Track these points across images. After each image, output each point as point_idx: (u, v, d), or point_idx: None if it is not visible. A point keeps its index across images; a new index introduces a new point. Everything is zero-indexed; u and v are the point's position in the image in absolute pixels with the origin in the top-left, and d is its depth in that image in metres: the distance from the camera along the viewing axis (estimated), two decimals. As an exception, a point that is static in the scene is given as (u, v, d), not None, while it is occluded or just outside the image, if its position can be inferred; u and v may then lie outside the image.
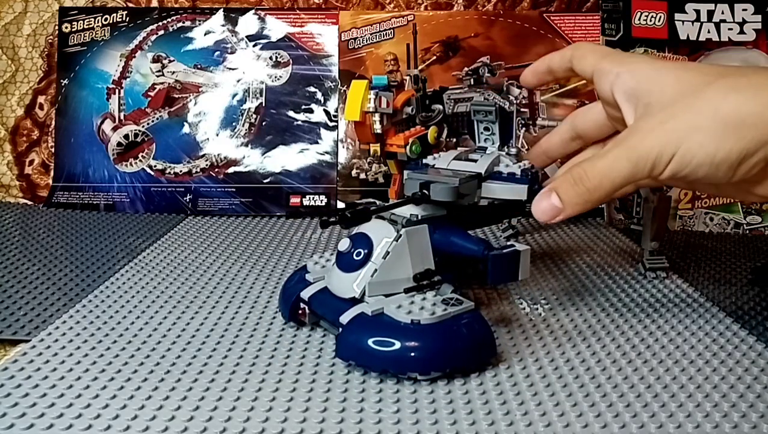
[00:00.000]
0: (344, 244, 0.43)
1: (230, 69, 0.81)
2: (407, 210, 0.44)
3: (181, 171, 0.79)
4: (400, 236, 0.42)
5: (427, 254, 0.43)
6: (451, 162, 0.49)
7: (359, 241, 0.43)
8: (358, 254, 0.43)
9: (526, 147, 0.73)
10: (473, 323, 0.40)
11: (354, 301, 0.42)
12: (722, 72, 0.36)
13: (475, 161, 0.49)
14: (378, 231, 0.43)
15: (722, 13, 0.80)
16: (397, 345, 0.38)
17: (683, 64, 0.38)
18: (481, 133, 0.51)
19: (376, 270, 0.42)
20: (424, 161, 0.50)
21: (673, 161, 0.35)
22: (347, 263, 0.43)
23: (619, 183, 0.37)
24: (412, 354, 0.38)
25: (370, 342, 0.39)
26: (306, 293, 0.44)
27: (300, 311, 0.45)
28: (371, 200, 0.50)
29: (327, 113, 0.81)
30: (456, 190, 0.44)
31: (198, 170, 0.79)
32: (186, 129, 0.80)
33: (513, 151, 0.51)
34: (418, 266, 0.42)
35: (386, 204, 0.45)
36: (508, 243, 0.42)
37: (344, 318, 0.41)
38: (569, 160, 0.49)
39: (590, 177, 0.37)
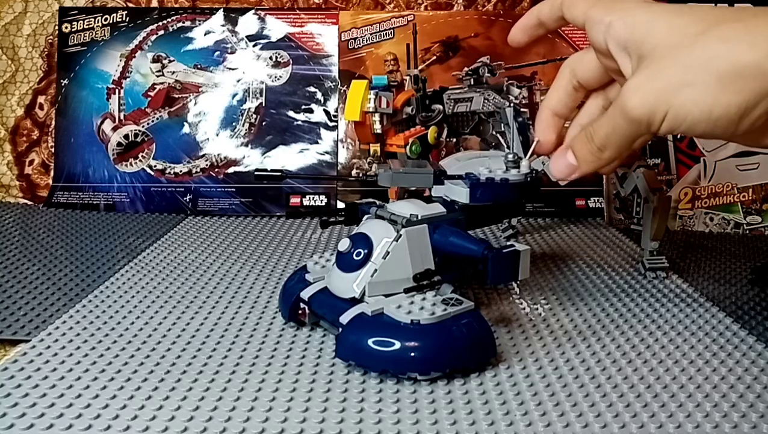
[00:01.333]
0: (344, 244, 0.43)
1: (230, 69, 0.81)
2: (407, 210, 0.44)
3: (181, 171, 0.79)
4: (400, 236, 0.42)
5: (427, 254, 0.43)
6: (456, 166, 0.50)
7: (359, 241, 0.43)
8: (358, 254, 0.43)
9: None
10: (473, 324, 0.40)
11: (354, 301, 0.42)
12: (718, 17, 0.34)
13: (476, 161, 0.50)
14: (378, 231, 0.43)
15: (722, 13, 0.79)
16: (397, 345, 0.38)
17: (679, 8, 0.36)
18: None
19: (375, 270, 0.42)
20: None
21: (666, 120, 0.34)
22: (347, 263, 0.43)
23: (624, 141, 0.36)
24: (412, 354, 0.38)
25: (369, 342, 0.39)
26: (306, 294, 0.44)
27: (300, 312, 0.45)
28: (371, 200, 0.49)
29: (327, 112, 0.81)
30: (392, 176, 0.45)
31: (198, 170, 0.79)
32: (186, 129, 0.80)
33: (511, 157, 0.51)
34: (417, 267, 0.42)
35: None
36: (508, 243, 0.42)
37: (344, 318, 0.41)
38: (574, 119, 0.47)
39: (598, 136, 0.37)
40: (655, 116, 0.34)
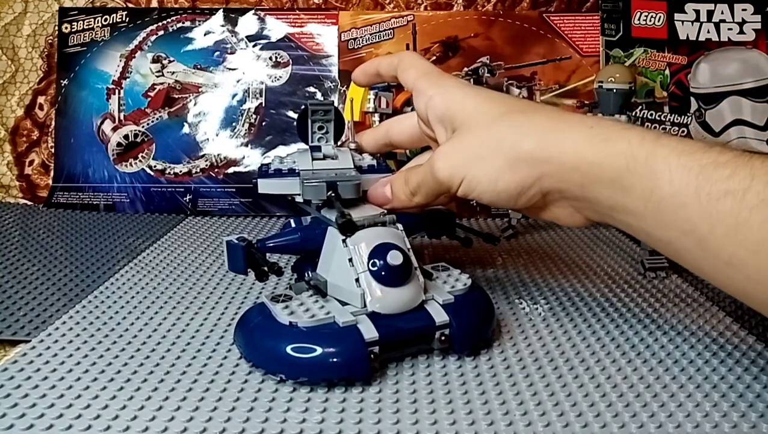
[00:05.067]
0: (398, 257, 0.40)
1: (230, 69, 0.81)
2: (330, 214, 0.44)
3: (181, 171, 0.79)
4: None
5: None
6: (313, 163, 0.48)
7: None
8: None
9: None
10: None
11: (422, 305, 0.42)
12: (513, 107, 0.41)
13: (336, 158, 0.49)
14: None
15: (722, 13, 0.80)
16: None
17: (488, 93, 0.43)
18: (314, 132, 0.51)
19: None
20: (286, 166, 0.48)
21: (462, 185, 0.40)
22: (401, 276, 0.41)
23: (431, 194, 0.42)
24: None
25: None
26: (369, 334, 0.39)
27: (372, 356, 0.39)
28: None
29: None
30: (359, 186, 0.46)
31: (198, 170, 0.79)
32: (186, 129, 0.80)
33: (352, 146, 0.52)
34: None
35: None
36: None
37: (439, 317, 0.41)
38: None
39: (411, 182, 0.43)
40: (453, 180, 0.40)
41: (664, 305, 0.51)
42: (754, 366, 0.41)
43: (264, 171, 0.48)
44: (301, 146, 0.52)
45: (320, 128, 0.50)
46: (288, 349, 0.38)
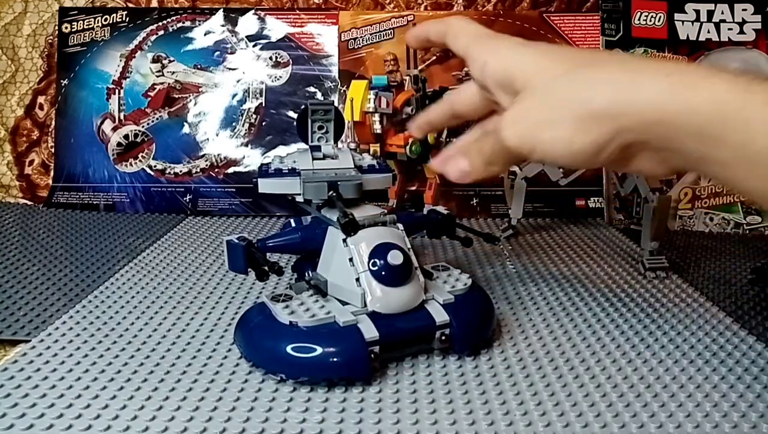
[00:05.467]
0: (398, 257, 0.41)
1: (230, 69, 0.81)
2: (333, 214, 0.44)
3: (181, 171, 0.79)
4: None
5: None
6: (313, 163, 0.48)
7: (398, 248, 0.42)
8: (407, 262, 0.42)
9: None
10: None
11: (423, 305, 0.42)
12: (576, 60, 0.38)
13: (336, 157, 0.49)
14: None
15: (722, 13, 0.80)
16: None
17: (546, 48, 0.40)
18: (314, 132, 0.51)
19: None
20: (286, 166, 0.48)
21: (534, 152, 0.37)
22: (401, 276, 0.41)
23: (507, 162, 0.40)
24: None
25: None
26: (369, 334, 0.39)
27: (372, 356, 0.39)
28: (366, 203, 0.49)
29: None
30: (360, 186, 0.46)
31: (198, 170, 0.79)
32: (186, 129, 0.80)
33: (352, 145, 0.51)
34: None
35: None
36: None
37: (440, 317, 0.41)
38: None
39: (486, 152, 0.40)
40: (524, 147, 0.38)
41: (664, 305, 0.51)
42: (754, 366, 0.41)
43: (264, 171, 0.48)
44: (302, 145, 0.52)
45: (320, 128, 0.50)
46: (288, 349, 0.38)
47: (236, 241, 0.43)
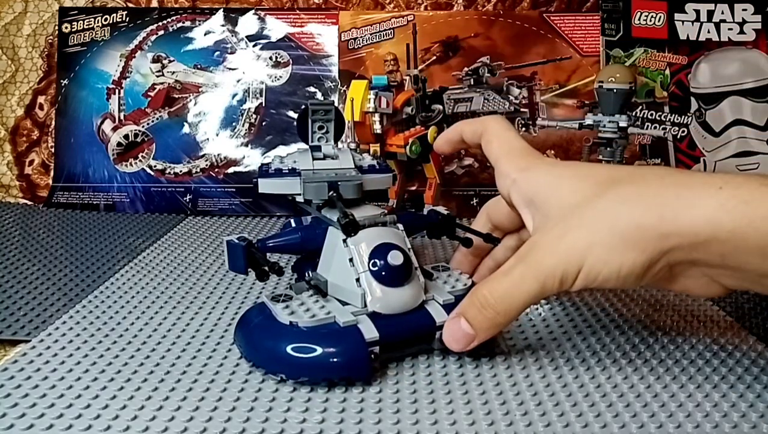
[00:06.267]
0: (398, 257, 0.40)
1: (230, 69, 0.81)
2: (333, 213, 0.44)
3: (181, 171, 0.79)
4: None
5: None
6: (313, 163, 0.48)
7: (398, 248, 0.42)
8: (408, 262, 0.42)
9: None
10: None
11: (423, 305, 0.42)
12: (616, 178, 0.36)
13: (336, 158, 0.49)
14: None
15: (722, 13, 0.80)
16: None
17: (580, 170, 0.38)
18: (314, 132, 0.50)
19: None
20: (286, 166, 0.47)
21: (579, 277, 0.35)
22: (401, 276, 0.41)
23: (530, 302, 0.36)
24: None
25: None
26: (370, 334, 0.39)
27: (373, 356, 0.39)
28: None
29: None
30: (360, 186, 0.45)
31: (198, 170, 0.79)
32: (186, 129, 0.80)
33: (352, 145, 0.51)
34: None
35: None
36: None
37: (440, 318, 0.41)
38: (488, 254, 0.50)
39: (497, 300, 0.37)
40: (568, 274, 0.35)
41: (664, 305, 0.51)
42: (754, 366, 0.41)
43: (264, 171, 0.48)
44: (302, 145, 0.52)
45: (320, 128, 0.50)
46: (288, 349, 0.38)
47: (236, 241, 0.43)
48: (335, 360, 0.37)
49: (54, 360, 0.40)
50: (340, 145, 0.52)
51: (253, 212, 0.78)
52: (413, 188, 0.72)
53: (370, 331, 0.38)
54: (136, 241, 0.66)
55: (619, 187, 0.35)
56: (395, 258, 0.40)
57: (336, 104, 0.57)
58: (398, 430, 0.34)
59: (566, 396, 0.37)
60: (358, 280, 0.40)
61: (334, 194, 0.44)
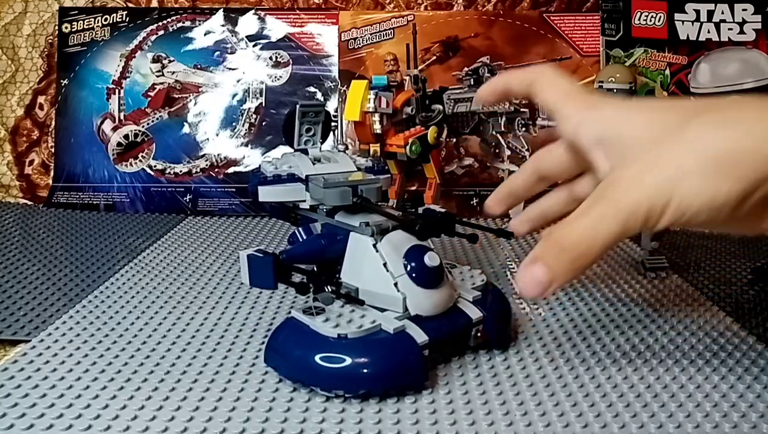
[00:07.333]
0: (435, 258, 0.40)
1: (230, 69, 0.81)
2: (359, 217, 0.42)
3: (181, 171, 0.79)
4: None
5: None
6: (315, 167, 0.45)
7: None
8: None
9: (527, 148, 0.73)
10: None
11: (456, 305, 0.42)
12: (696, 109, 0.34)
13: (333, 161, 0.47)
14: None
15: (722, 13, 0.80)
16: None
17: (654, 104, 0.36)
18: (302, 135, 0.49)
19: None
20: (283, 172, 0.45)
21: (668, 211, 0.32)
22: (437, 277, 0.40)
23: (610, 243, 0.33)
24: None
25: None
26: (420, 338, 0.38)
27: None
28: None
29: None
30: (380, 188, 0.43)
31: (198, 170, 0.79)
32: (186, 129, 0.80)
33: (341, 147, 0.50)
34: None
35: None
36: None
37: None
38: (535, 202, 0.47)
39: (576, 242, 0.33)
40: (654, 208, 0.32)
41: (664, 305, 0.51)
42: (754, 366, 0.41)
43: (262, 178, 0.45)
44: (287, 149, 0.50)
45: (308, 130, 0.49)
46: (345, 363, 0.36)
47: (260, 255, 0.39)
48: (393, 368, 0.37)
49: (54, 360, 0.40)
50: (327, 147, 0.50)
51: (253, 212, 0.78)
52: (413, 188, 0.72)
53: (419, 335, 0.38)
54: (136, 241, 0.66)
55: (706, 114, 0.33)
56: (432, 259, 0.39)
57: (336, 104, 0.57)
58: (398, 430, 0.34)
59: (566, 396, 0.37)
60: (396, 285, 0.39)
61: (359, 199, 0.42)
